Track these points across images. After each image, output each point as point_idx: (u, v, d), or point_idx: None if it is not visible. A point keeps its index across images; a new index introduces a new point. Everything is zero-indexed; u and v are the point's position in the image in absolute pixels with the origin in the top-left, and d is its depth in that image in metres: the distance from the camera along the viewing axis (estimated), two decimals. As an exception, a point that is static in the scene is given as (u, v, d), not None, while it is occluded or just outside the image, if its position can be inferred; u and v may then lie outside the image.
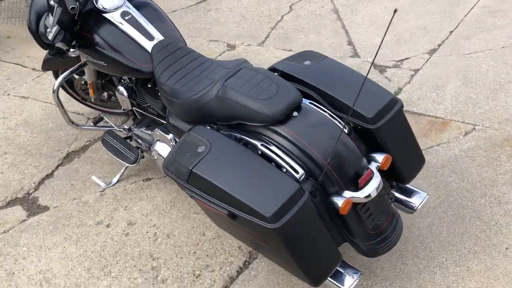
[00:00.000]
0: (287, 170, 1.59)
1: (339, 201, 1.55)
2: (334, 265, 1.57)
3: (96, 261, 2.06)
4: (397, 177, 1.79)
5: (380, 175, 1.71)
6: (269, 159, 1.61)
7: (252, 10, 4.42)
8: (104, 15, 2.06)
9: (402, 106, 1.77)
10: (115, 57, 2.03)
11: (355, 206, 1.60)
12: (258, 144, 1.64)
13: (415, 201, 1.85)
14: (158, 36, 2.05)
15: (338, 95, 1.73)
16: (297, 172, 1.58)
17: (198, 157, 1.57)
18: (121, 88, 2.24)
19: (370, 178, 1.61)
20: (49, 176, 2.58)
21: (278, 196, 1.45)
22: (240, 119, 1.70)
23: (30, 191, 2.49)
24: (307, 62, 1.87)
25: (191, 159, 1.57)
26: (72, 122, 2.49)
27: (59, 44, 2.11)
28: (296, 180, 1.57)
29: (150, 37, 2.04)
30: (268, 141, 1.65)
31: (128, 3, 2.12)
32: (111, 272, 2.01)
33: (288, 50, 3.67)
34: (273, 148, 1.63)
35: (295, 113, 1.64)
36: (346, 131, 1.70)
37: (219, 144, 1.60)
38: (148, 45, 2.02)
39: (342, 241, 1.68)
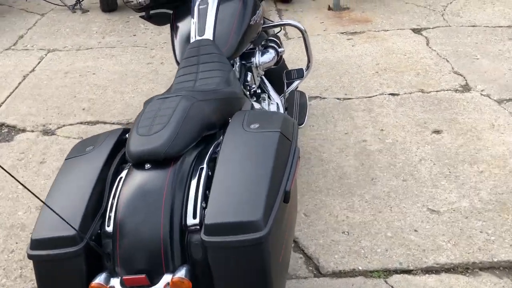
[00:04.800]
0: (102, 215, 1.36)
1: (96, 279, 1.26)
2: None
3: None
4: None
5: None
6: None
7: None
8: None
9: (261, 239, 1.16)
10: (172, 39, 2.05)
11: None
12: (111, 175, 1.44)
13: None
14: (208, 35, 1.91)
15: (217, 181, 1.29)
16: (109, 226, 1.35)
17: (80, 152, 1.54)
18: None
19: (140, 286, 1.21)
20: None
21: (51, 228, 1.31)
22: None
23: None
24: (254, 126, 1.41)
25: (79, 151, 1.56)
26: None
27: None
28: (98, 232, 1.34)
29: (201, 32, 1.93)
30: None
31: None
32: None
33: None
34: (114, 187, 1.40)
35: (147, 165, 1.34)
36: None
37: (95, 151, 1.51)
38: (194, 38, 1.93)
39: None
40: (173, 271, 1.22)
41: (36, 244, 1.27)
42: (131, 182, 1.33)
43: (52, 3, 4.64)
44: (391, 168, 2.32)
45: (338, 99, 2.95)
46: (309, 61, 2.55)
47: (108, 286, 1.23)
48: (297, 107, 2.27)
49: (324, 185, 2.24)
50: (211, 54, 1.85)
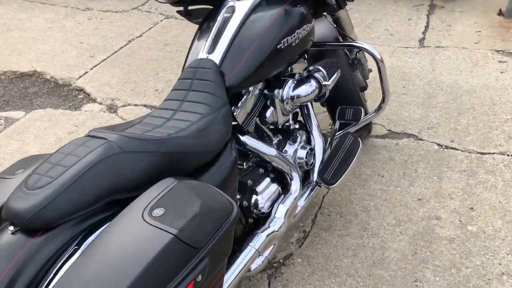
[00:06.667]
0: None
1: None
2: None
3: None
4: None
5: None
6: None
7: None
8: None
9: None
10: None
11: None
12: None
13: None
14: (216, 55, 1.49)
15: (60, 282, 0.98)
16: None
17: (10, 173, 1.34)
18: None
19: None
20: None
21: None
22: None
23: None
24: (157, 212, 1.02)
25: (10, 171, 1.37)
26: None
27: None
28: None
29: (211, 49, 1.51)
30: None
31: (253, 1, 1.56)
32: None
33: None
34: None
35: (11, 229, 1.06)
36: None
37: (17, 178, 1.30)
38: (201, 55, 1.53)
39: None
40: None
41: None
42: None
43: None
44: (451, 274, 1.65)
45: (439, 145, 2.24)
46: (383, 99, 1.94)
47: None
48: (338, 159, 1.73)
49: (346, 268, 1.70)
50: (205, 82, 1.44)
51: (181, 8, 1.85)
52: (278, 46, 1.51)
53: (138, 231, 1.00)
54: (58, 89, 2.92)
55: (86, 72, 3.04)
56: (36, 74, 3.09)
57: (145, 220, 1.01)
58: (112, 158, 1.12)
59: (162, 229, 0.98)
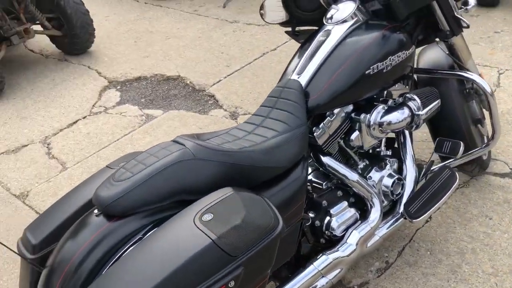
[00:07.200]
0: None
1: None
2: None
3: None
4: None
5: None
6: None
7: None
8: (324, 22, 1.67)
9: None
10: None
11: None
12: None
13: None
14: (304, 77, 1.53)
15: (107, 274, 1.14)
16: None
17: (117, 165, 1.57)
18: None
19: None
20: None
21: (37, 226, 1.42)
22: None
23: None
24: (206, 217, 1.12)
25: (118, 162, 1.60)
26: None
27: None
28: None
29: (300, 71, 1.56)
30: None
31: (350, 25, 1.57)
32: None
33: None
34: None
35: (96, 211, 1.24)
36: None
37: None
38: (290, 75, 1.59)
39: None
40: None
41: (22, 238, 1.39)
42: (80, 219, 1.28)
43: None
44: None
45: None
46: (493, 136, 1.77)
47: None
48: (428, 193, 1.63)
49: (423, 309, 1.60)
50: (288, 101, 1.51)
51: (289, 29, 1.94)
52: (367, 72, 1.50)
53: (186, 231, 1.11)
54: (194, 94, 3.23)
55: (220, 80, 3.31)
56: (179, 78, 3.45)
57: (194, 223, 1.11)
58: (184, 163, 1.25)
59: (204, 233, 1.07)
